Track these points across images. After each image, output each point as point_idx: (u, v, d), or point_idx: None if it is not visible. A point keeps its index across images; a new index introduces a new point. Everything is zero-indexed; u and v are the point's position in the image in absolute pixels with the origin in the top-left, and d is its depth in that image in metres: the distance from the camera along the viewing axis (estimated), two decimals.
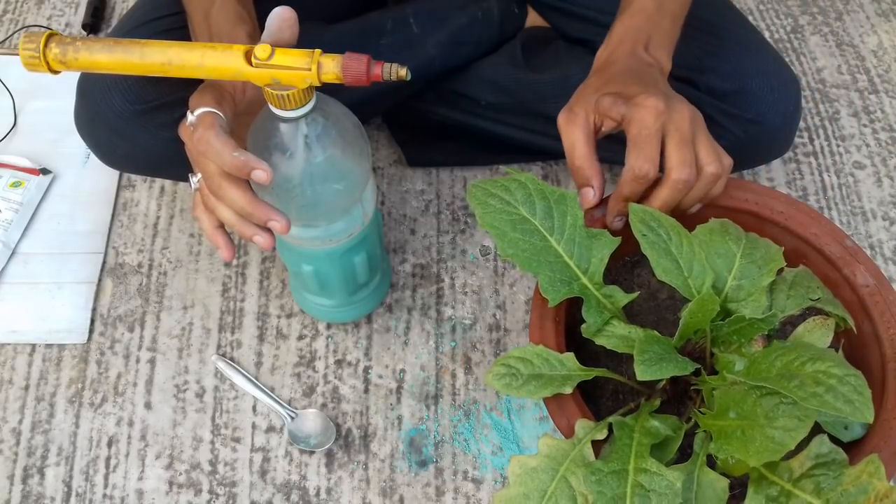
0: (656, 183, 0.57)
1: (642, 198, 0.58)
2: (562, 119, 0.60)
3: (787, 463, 0.47)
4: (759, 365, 0.48)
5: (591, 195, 0.59)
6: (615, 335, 0.55)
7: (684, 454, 0.52)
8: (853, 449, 0.53)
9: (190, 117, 0.56)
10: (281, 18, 0.52)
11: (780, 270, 0.57)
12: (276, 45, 0.52)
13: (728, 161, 0.59)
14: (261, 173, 0.53)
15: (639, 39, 0.64)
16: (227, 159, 0.53)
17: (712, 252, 0.56)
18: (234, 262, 0.89)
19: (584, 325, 0.56)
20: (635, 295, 0.57)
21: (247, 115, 0.61)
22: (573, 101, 0.61)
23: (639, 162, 0.56)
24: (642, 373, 0.48)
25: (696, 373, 0.52)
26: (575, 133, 0.59)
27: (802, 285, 0.57)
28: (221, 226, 0.60)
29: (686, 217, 0.59)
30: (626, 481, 0.46)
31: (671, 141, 0.56)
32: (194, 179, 0.59)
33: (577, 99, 0.61)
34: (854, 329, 0.57)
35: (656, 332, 0.54)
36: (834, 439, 0.49)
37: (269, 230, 0.57)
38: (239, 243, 0.89)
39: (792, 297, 0.56)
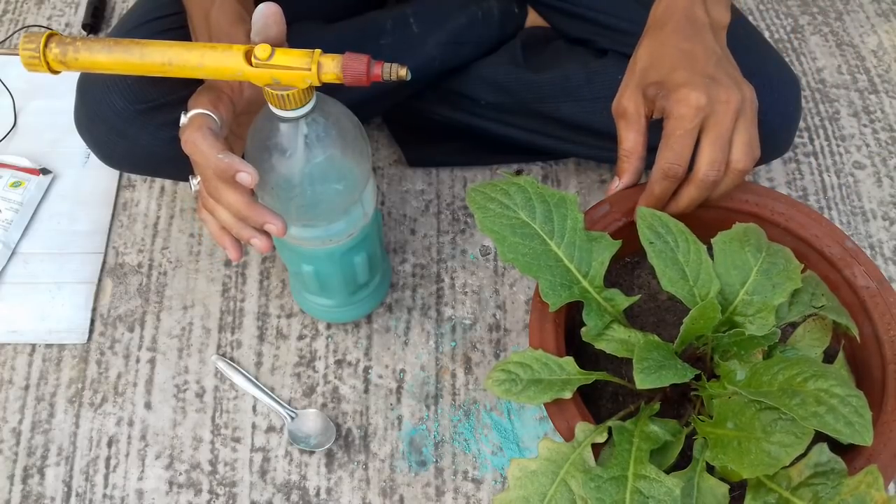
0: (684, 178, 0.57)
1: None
2: (614, 110, 0.61)
3: (785, 471, 0.47)
4: (761, 377, 0.48)
5: (613, 185, 0.61)
6: (615, 339, 0.54)
7: (684, 457, 0.52)
8: (852, 450, 0.53)
9: (183, 119, 0.56)
10: (265, 15, 0.52)
11: None
12: (263, 42, 0.52)
13: (758, 154, 0.57)
14: (245, 176, 0.53)
15: None
16: (213, 161, 0.53)
17: (729, 262, 0.55)
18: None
19: (584, 329, 0.55)
20: (636, 298, 0.57)
21: (247, 114, 0.61)
22: (623, 91, 0.61)
23: (668, 162, 0.56)
24: (641, 381, 0.47)
25: (697, 377, 0.52)
26: (624, 128, 0.59)
27: (807, 292, 0.56)
28: None
29: (703, 220, 0.59)
30: (625, 488, 0.46)
31: (706, 138, 0.55)
32: (194, 182, 0.59)
33: (626, 87, 0.61)
34: (857, 338, 0.57)
35: (656, 338, 0.53)
36: (833, 439, 0.49)
37: (265, 233, 0.57)
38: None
39: (796, 304, 0.56)
